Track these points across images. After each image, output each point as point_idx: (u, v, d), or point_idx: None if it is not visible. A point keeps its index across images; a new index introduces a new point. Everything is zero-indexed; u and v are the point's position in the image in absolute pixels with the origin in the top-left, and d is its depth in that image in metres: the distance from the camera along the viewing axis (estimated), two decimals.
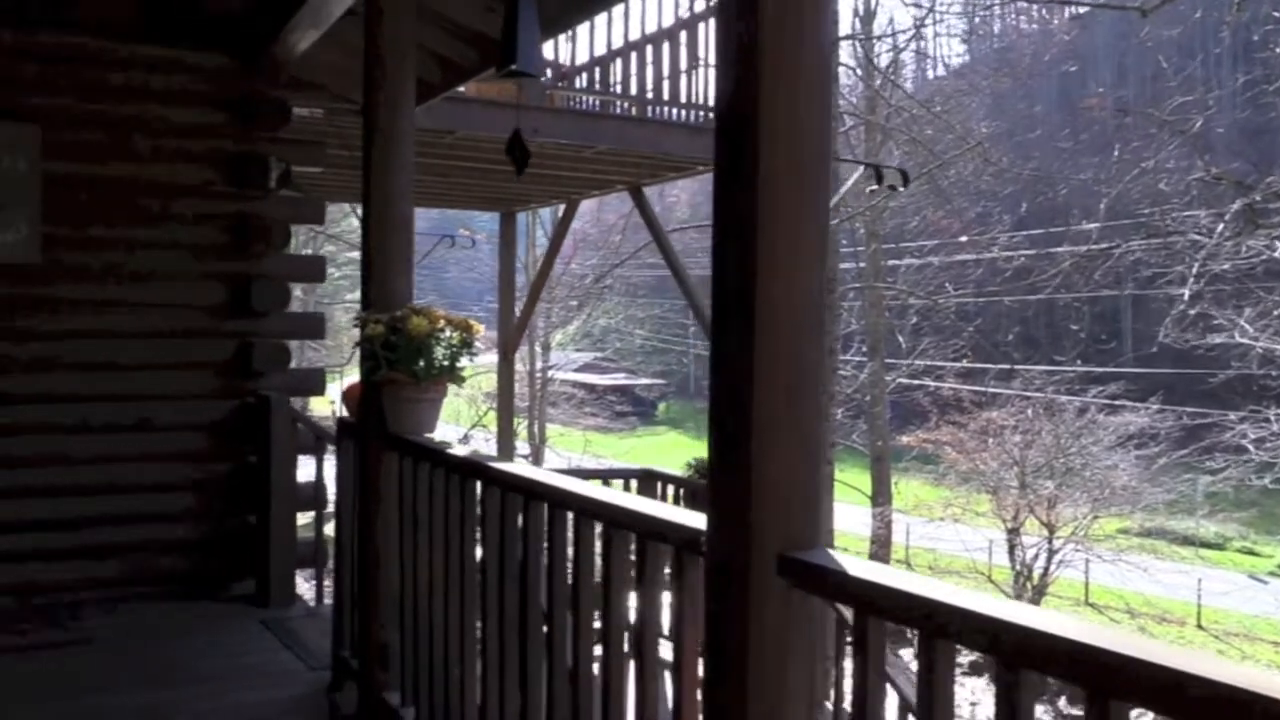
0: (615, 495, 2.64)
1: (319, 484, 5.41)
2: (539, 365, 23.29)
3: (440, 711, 3.35)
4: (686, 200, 35.36)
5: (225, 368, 5.64)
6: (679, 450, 27.02)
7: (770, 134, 1.85)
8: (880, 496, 20.08)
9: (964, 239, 24.07)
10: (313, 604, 5.44)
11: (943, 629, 1.56)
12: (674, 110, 8.33)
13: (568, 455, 24.11)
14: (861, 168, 15.55)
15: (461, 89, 6.76)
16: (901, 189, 11.43)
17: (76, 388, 5.40)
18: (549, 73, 8.26)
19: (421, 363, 3.52)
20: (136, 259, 5.49)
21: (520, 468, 3.01)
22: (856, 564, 1.77)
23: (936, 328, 23.16)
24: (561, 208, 11.15)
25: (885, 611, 1.70)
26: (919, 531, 22.20)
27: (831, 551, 1.88)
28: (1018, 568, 18.36)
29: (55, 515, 5.36)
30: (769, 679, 1.87)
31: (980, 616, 1.46)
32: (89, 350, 5.42)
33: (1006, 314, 26.81)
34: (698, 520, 2.08)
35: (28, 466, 5.32)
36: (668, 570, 2.27)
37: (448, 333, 3.57)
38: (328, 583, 5.84)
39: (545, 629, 2.70)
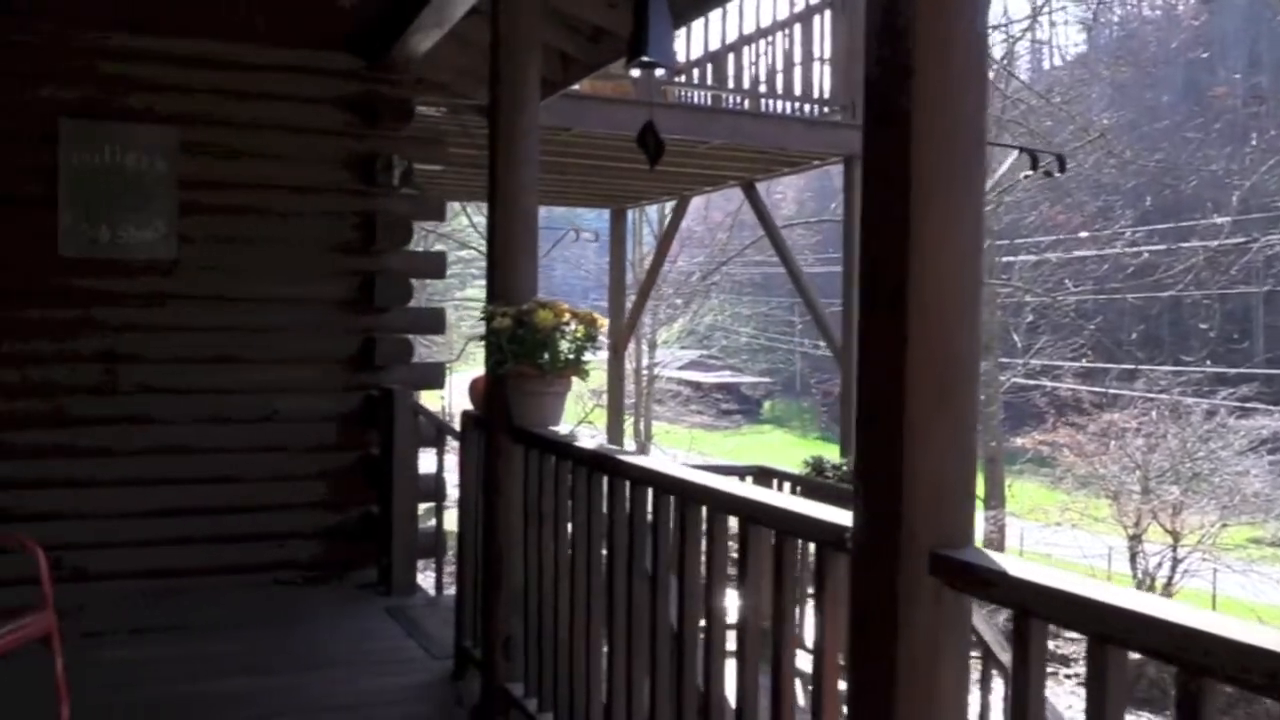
0: (752, 490, 2.60)
1: (439, 476, 5.50)
2: (645, 362, 23.34)
3: (565, 704, 3.35)
4: (793, 197, 35.04)
5: (350, 362, 5.77)
6: (786, 449, 26.82)
7: (925, 122, 1.78)
8: (993, 499, 19.59)
9: (1084, 234, 23.31)
10: (432, 594, 5.53)
11: (1115, 635, 1.48)
12: (788, 104, 8.24)
13: (673, 453, 24.12)
14: (1016, 153, 15.03)
15: (575, 86, 6.79)
16: (1059, 174, 11.03)
17: (209, 380, 5.58)
18: (660, 71, 8.24)
19: (546, 356, 3.53)
20: (265, 255, 5.65)
21: (651, 461, 2.98)
22: (1016, 563, 1.70)
23: (1054, 326, 22.49)
24: (670, 205, 11.14)
25: (1048, 615, 1.62)
26: (1034, 536, 21.58)
27: (986, 550, 1.81)
28: (1140, 576, 17.71)
29: (188, 503, 5.55)
30: (919, 683, 1.81)
31: (1165, 623, 1.38)
32: (220, 344, 5.60)
33: (1129, 312, 25.84)
34: (841, 516, 2.03)
35: (163, 455, 5.52)
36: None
37: (572, 326, 3.57)
38: (447, 573, 5.95)
39: (676, 627, 2.67)
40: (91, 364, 5.40)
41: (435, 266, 6.17)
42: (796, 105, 8.22)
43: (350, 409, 5.77)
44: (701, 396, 28.88)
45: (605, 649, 3.11)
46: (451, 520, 5.87)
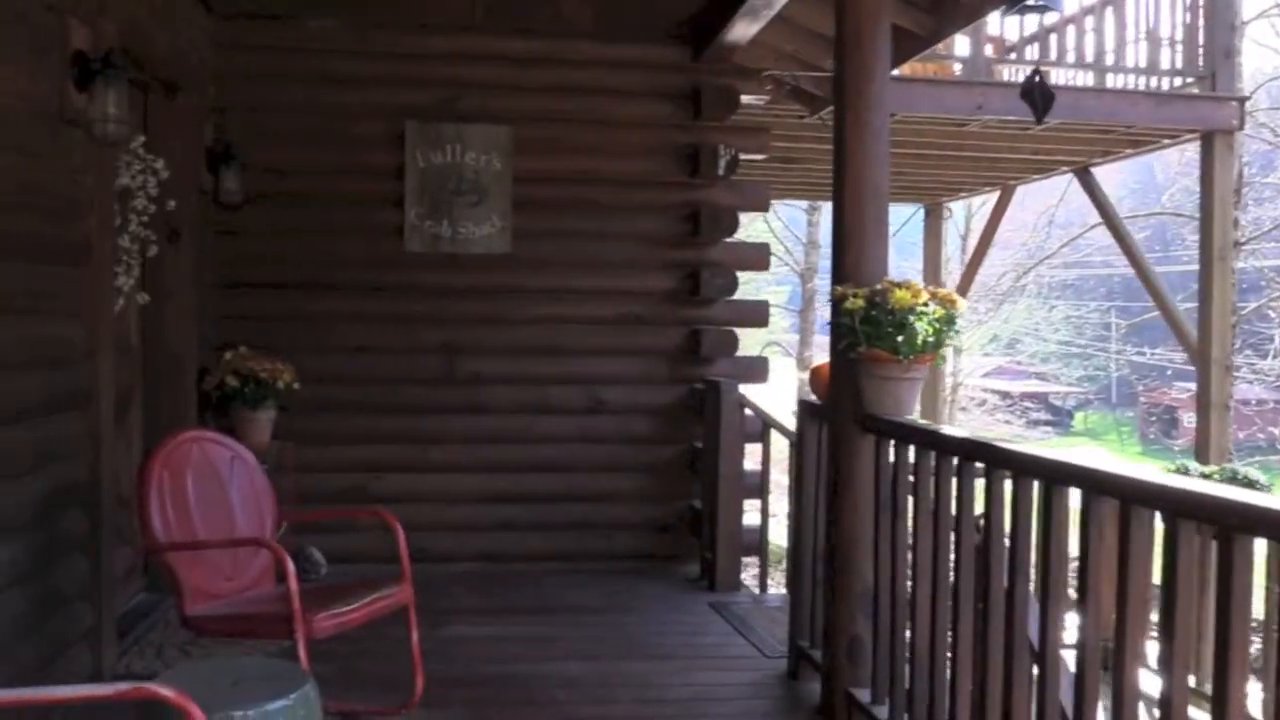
0: (1174, 479, 2.23)
1: (764, 471, 5.35)
2: (949, 368, 22.36)
3: (922, 717, 3.08)
4: (1121, 182, 32.45)
5: (675, 354, 5.75)
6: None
7: None
8: None
9: None
10: (756, 592, 5.38)
11: None
12: (1131, 78, 7.52)
13: None
14: None
15: (895, 71, 6.47)
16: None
17: (538, 371, 5.72)
18: (989, 49, 7.75)
19: (902, 339, 3.28)
20: (593, 249, 5.73)
21: (1038, 449, 2.67)
22: None
23: None
24: (974, 202, 10.49)
25: None
26: None
27: None
28: None
29: (518, 490, 5.70)
30: None
31: None
32: (549, 335, 5.72)
33: None
34: None
35: (495, 443, 5.70)
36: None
37: (930, 307, 3.30)
38: (770, 572, 5.77)
39: (1081, 641, 2.35)
40: (431, 355, 5.66)
41: (760, 258, 6.04)
42: (1140, 78, 7.49)
43: (675, 401, 5.75)
44: (1009, 405, 27.35)
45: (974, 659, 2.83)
46: (782, 515, 5.72)
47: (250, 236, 5.51)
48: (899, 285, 3.31)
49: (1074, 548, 2.45)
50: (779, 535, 6.08)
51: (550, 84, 5.70)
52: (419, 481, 5.65)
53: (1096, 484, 2.32)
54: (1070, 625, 2.57)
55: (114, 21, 3.75)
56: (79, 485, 3.62)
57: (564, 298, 5.74)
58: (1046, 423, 31.00)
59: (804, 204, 18.87)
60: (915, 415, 3.39)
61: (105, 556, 3.77)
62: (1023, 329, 29.74)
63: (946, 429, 3.08)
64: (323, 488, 5.50)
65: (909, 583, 3.22)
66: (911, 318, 3.28)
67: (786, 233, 20.30)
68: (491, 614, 4.89)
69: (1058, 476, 2.45)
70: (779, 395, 11.51)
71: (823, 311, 20.30)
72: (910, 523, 3.21)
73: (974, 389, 26.84)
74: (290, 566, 3.08)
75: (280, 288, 5.55)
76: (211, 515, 3.50)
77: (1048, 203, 20.86)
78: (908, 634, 3.23)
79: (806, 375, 17.83)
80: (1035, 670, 2.59)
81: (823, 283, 19.93)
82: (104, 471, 3.77)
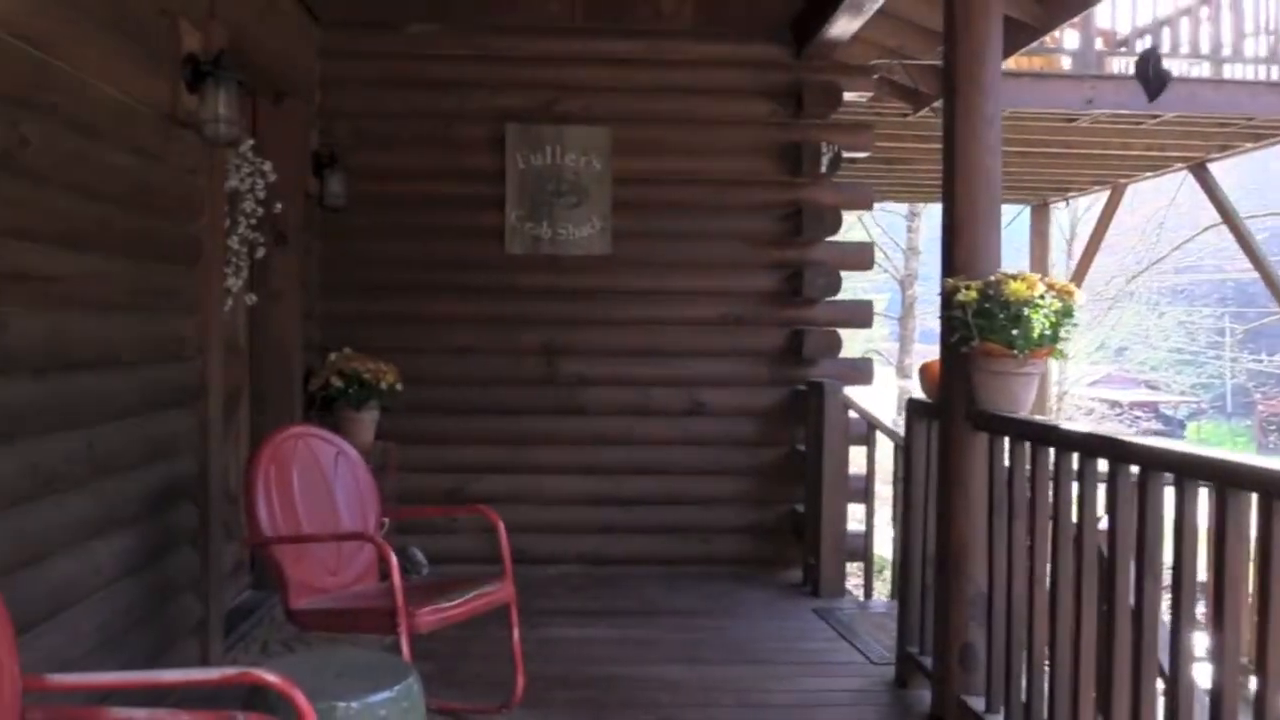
0: None
1: (869, 475, 5.22)
2: (1055, 376, 21.73)
3: None
4: (1236, 182, 31.19)
5: (777, 355, 5.66)
6: None
7: None
8: None
9: None
10: (861, 598, 5.24)
11: None
12: (1250, 69, 7.18)
13: None
14: None
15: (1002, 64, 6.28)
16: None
17: (638, 373, 5.68)
18: (1098, 43, 7.48)
19: (1017, 332, 3.15)
20: (694, 249, 5.67)
21: (1170, 443, 2.52)
22: None
23: None
24: (1080, 205, 10.13)
25: None
26: None
27: None
28: None
29: (618, 493, 5.66)
30: None
31: None
32: (649, 337, 5.68)
33: None
34: None
35: (595, 445, 5.68)
36: None
37: (1047, 299, 3.16)
38: (875, 578, 5.63)
39: (1217, 652, 2.20)
40: (531, 356, 5.67)
41: (864, 258, 5.91)
42: (1261, 68, 7.15)
43: (776, 403, 5.65)
44: (1118, 414, 26.46)
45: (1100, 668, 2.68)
46: (880, 523, 5.58)
47: (354, 239, 5.59)
48: (1013, 277, 3.18)
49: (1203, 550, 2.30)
50: (885, 543, 5.92)
51: (650, 84, 5.67)
52: (519, 483, 5.66)
53: (1235, 478, 2.17)
54: (1203, 636, 2.42)
55: (224, 26, 3.83)
56: (188, 480, 3.69)
57: (664, 298, 5.69)
58: (1157, 432, 29.90)
59: (903, 210, 18.54)
60: (1031, 413, 3.25)
61: (213, 550, 3.84)
62: (1132, 336, 28.79)
63: (1065, 424, 2.93)
64: (424, 488, 5.53)
65: (1025, 587, 3.08)
66: (1027, 310, 3.15)
67: (885, 239, 19.97)
68: (592, 616, 4.85)
69: (1191, 470, 2.31)
70: (879, 403, 11.29)
71: (923, 319, 19.92)
72: (1026, 524, 3.07)
73: (1081, 397, 26.04)
74: (394, 560, 3.08)
75: (383, 290, 5.61)
76: (316, 510, 3.53)
77: (1156, 205, 20.15)
78: (1024, 640, 3.09)
79: (907, 383, 17.51)
80: (1164, 684, 2.45)
81: (923, 289, 19.55)
82: (213, 467, 3.84)
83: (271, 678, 1.92)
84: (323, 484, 3.60)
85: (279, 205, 4.79)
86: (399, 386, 5.30)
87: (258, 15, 4.45)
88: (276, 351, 5.01)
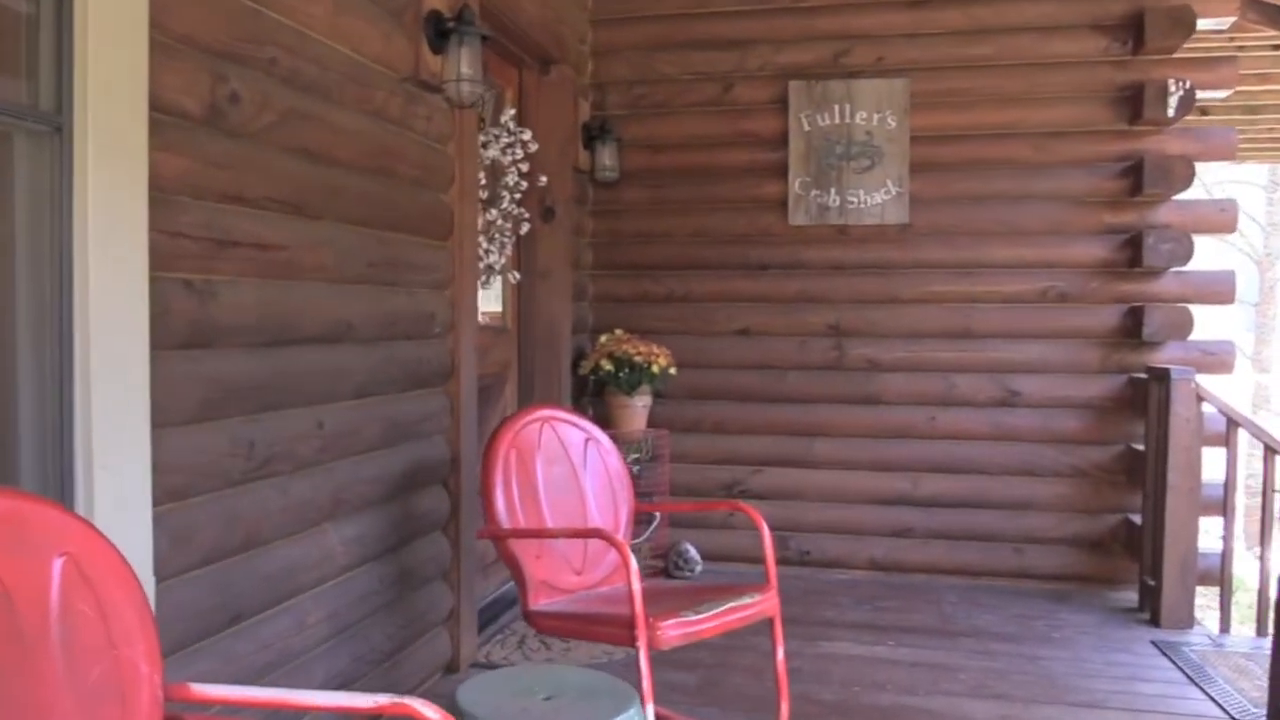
0: None
1: (1228, 483, 4.27)
2: None
3: None
4: None
5: (1109, 337, 4.82)
6: None
7: None
8: None
9: None
10: (1215, 632, 4.32)
11: None
12: None
13: None
14: None
15: None
16: None
17: (940, 358, 5.03)
18: None
19: None
20: (1008, 214, 4.93)
21: None
22: None
23: None
24: None
25: None
26: None
27: None
28: None
29: (916, 493, 5.05)
30: None
31: None
32: (953, 317, 5.02)
33: None
34: None
35: (891, 438, 5.09)
36: None
37: None
38: (1234, 608, 4.65)
39: None
40: (819, 339, 5.15)
41: (1224, 218, 4.84)
42: None
43: (1108, 394, 4.81)
44: None
45: None
46: (1242, 541, 4.59)
47: (627, 215, 5.30)
48: None
49: None
50: (1247, 566, 4.90)
51: (954, 26, 4.96)
52: (804, 478, 5.15)
53: None
54: None
55: None
56: (438, 464, 3.49)
57: (972, 272, 4.99)
58: None
59: (1262, 175, 16.18)
60: None
61: (465, 538, 3.62)
62: None
63: None
64: (698, 480, 5.18)
65: None
66: None
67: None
68: (879, 631, 4.27)
69: None
70: (1230, 400, 9.80)
71: None
72: None
73: None
74: (633, 564, 2.68)
75: (657, 268, 5.28)
76: (561, 502, 3.21)
77: None
78: None
79: (1265, 378, 15.27)
80: None
81: None
82: (465, 451, 3.62)
83: (429, 713, 1.56)
84: (569, 473, 3.27)
85: (544, 178, 4.55)
86: (672, 370, 4.96)
87: None
88: (545, 332, 4.79)
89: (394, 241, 3.20)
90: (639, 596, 2.67)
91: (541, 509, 3.13)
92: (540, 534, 2.93)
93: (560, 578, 3.10)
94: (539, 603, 2.99)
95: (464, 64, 3.27)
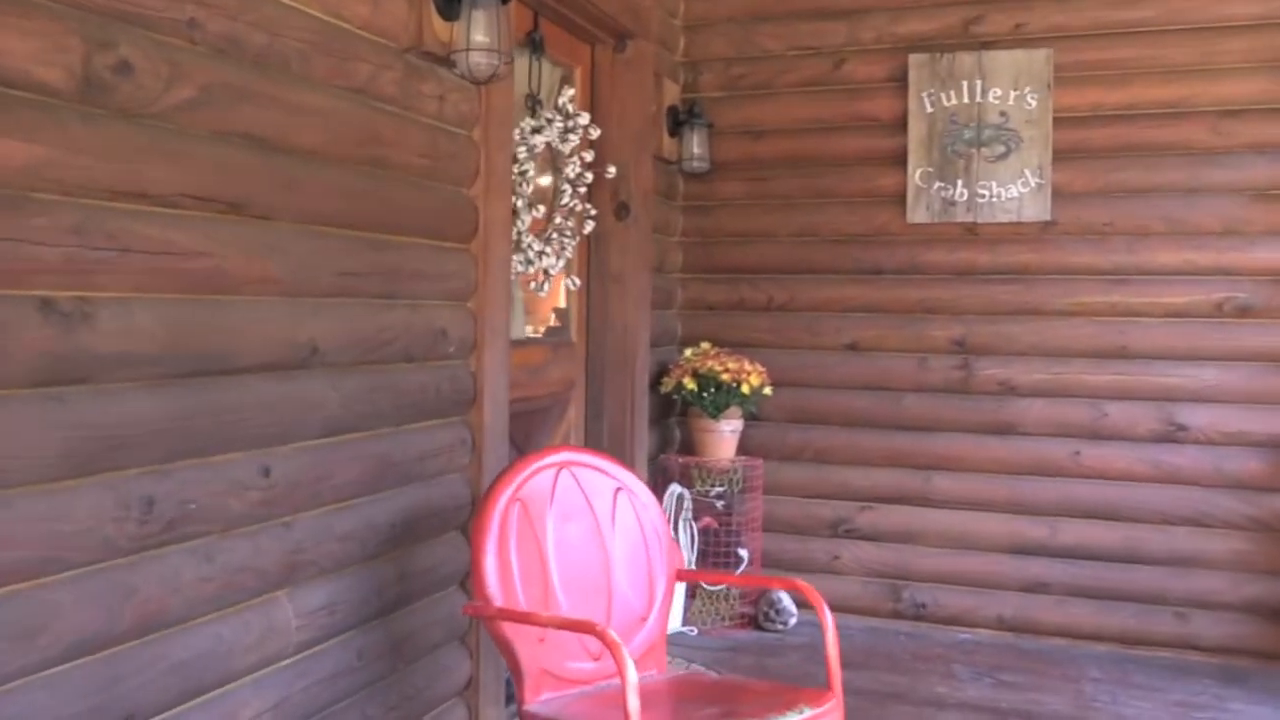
0: None
1: None
2: None
3: None
4: None
5: None
6: None
7: None
8: None
9: None
10: None
11: None
12: None
13: None
14: None
15: None
16: None
17: (1090, 382, 4.23)
18: None
19: None
20: (1175, 210, 4.12)
21: None
22: None
23: None
24: None
25: None
26: None
27: None
28: None
29: (1055, 541, 4.28)
30: None
31: None
32: (1106, 333, 4.23)
33: None
34: None
35: (1026, 475, 4.32)
36: None
37: None
38: None
39: None
40: (941, 356, 4.42)
41: None
42: None
43: None
44: None
45: None
46: None
47: (720, 211, 4.67)
48: None
49: None
50: None
51: None
52: (920, 518, 4.43)
53: None
54: None
55: None
56: (451, 508, 2.95)
57: (1129, 280, 4.17)
58: None
59: None
60: None
61: None
62: None
63: None
64: (797, 515, 4.53)
65: None
66: None
67: None
68: (1000, 716, 3.52)
69: None
70: None
71: None
72: None
73: None
74: (627, 661, 2.06)
75: (752, 271, 4.64)
76: (576, 570, 2.61)
77: None
78: None
79: None
80: None
81: None
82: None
83: None
84: (591, 532, 2.68)
85: (612, 169, 3.96)
86: (766, 390, 4.31)
87: None
88: (616, 345, 4.20)
89: (389, 245, 2.67)
90: (632, 689, 2.05)
91: (550, 580, 2.54)
92: (525, 619, 2.33)
93: (568, 666, 2.51)
94: (536, 700, 2.40)
95: (475, 30, 2.71)
